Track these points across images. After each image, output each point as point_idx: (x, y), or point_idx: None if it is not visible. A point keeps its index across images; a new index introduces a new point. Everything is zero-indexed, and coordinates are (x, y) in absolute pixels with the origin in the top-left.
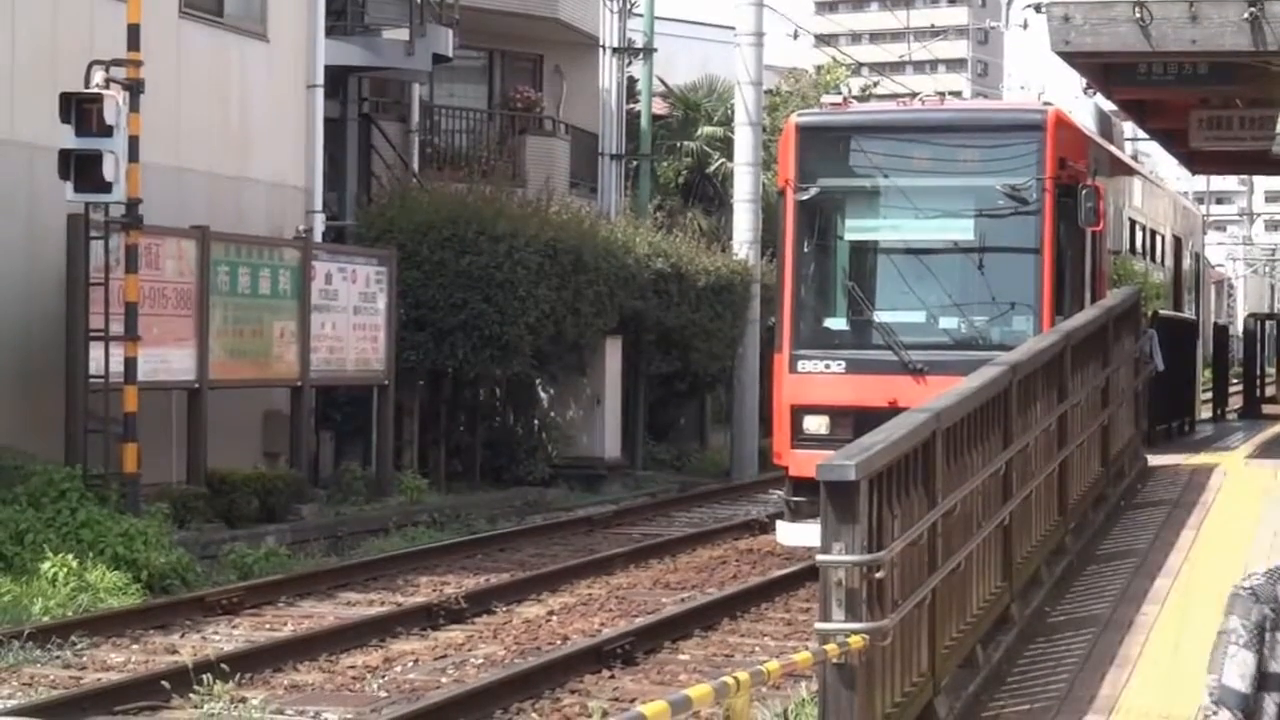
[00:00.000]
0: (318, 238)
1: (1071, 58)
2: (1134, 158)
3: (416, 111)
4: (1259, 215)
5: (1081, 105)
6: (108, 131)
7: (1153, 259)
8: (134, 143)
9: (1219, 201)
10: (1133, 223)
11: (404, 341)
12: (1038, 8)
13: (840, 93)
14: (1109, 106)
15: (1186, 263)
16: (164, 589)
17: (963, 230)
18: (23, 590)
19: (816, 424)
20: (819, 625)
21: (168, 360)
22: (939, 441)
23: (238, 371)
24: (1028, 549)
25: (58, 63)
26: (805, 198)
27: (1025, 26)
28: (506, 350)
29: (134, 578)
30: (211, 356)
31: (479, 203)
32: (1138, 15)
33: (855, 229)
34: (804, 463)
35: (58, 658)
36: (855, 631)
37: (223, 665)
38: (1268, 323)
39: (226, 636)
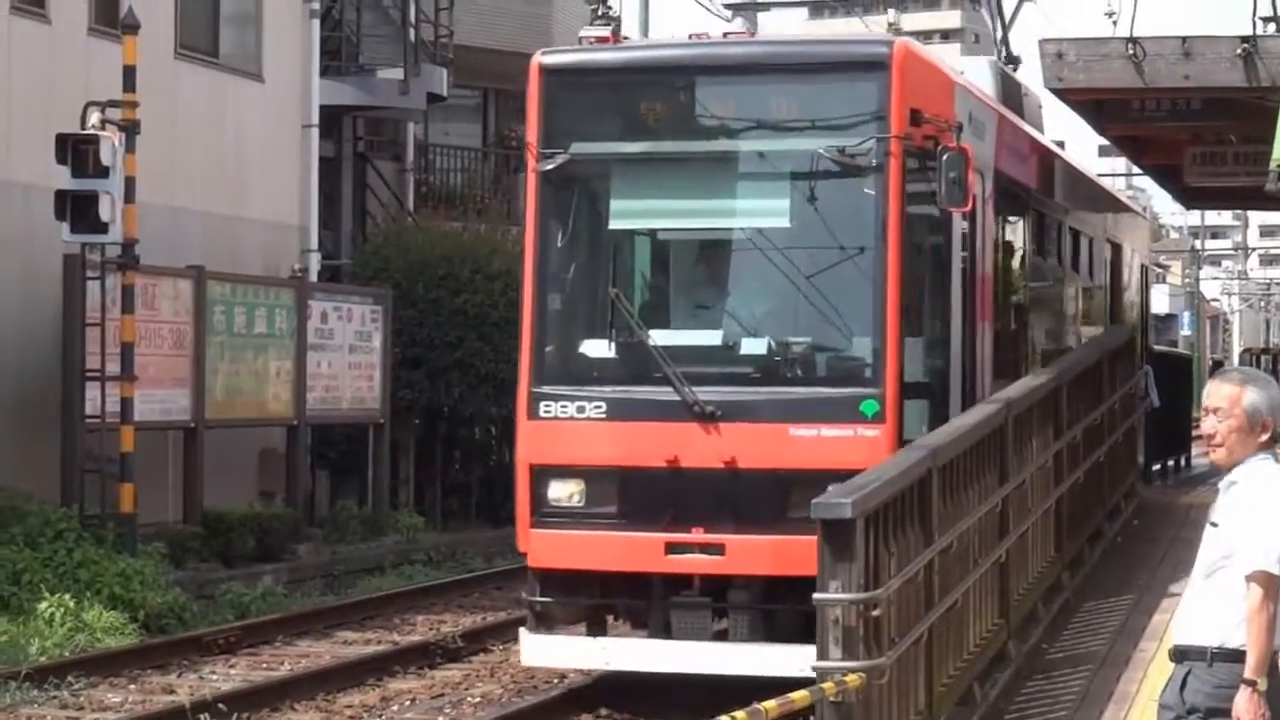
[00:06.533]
0: (313, 277)
1: (1064, 94)
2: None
3: (411, 150)
4: (1254, 250)
5: (974, 65)
6: (104, 172)
7: (1075, 268)
8: (130, 183)
9: (1214, 236)
10: (1040, 216)
11: (399, 380)
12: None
13: (609, 21)
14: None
15: (1128, 276)
16: (161, 629)
17: (773, 214)
18: (19, 630)
19: (566, 492)
20: (816, 664)
21: (164, 400)
22: (935, 479)
23: (234, 411)
24: (1024, 586)
25: (54, 104)
26: (551, 167)
27: (1018, 63)
28: (502, 388)
29: (131, 618)
30: (208, 396)
31: (474, 241)
32: (1131, 51)
33: (623, 213)
34: (549, 549)
35: (55, 698)
36: (852, 670)
37: (220, 705)
38: (1263, 357)
39: (224, 676)
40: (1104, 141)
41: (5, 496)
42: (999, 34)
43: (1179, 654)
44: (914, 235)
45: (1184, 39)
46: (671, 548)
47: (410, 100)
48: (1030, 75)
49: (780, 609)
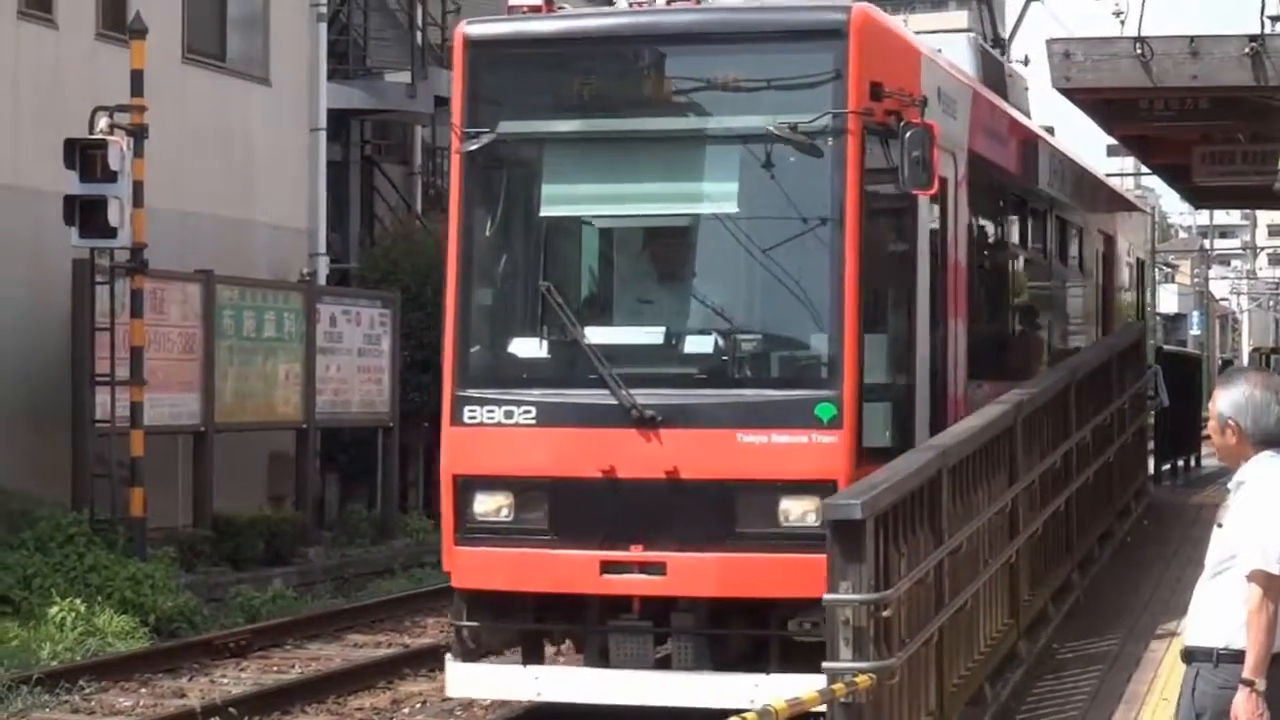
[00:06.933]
0: (322, 280)
1: (1072, 94)
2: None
3: (419, 153)
4: (1262, 249)
5: (952, 42)
6: (112, 177)
7: (1062, 260)
8: (138, 188)
9: (1222, 235)
10: (1022, 203)
11: (408, 383)
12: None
13: None
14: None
15: (1123, 271)
16: (171, 632)
17: (719, 198)
18: (31, 635)
19: (493, 505)
20: (826, 664)
21: (173, 404)
22: (945, 479)
23: (243, 414)
24: (1035, 586)
25: (62, 109)
26: (476, 148)
27: (1026, 63)
28: None
29: (141, 621)
30: (217, 400)
31: None
32: (1138, 51)
33: (555, 199)
34: (475, 568)
35: (66, 702)
36: (862, 670)
37: (231, 709)
38: (1272, 357)
39: (234, 679)
40: (1112, 141)
41: (16, 501)
42: (985, 16)
43: (1187, 655)
44: (875, 222)
45: (1191, 38)
46: (608, 567)
47: (418, 103)
48: (1038, 75)
49: (728, 634)
